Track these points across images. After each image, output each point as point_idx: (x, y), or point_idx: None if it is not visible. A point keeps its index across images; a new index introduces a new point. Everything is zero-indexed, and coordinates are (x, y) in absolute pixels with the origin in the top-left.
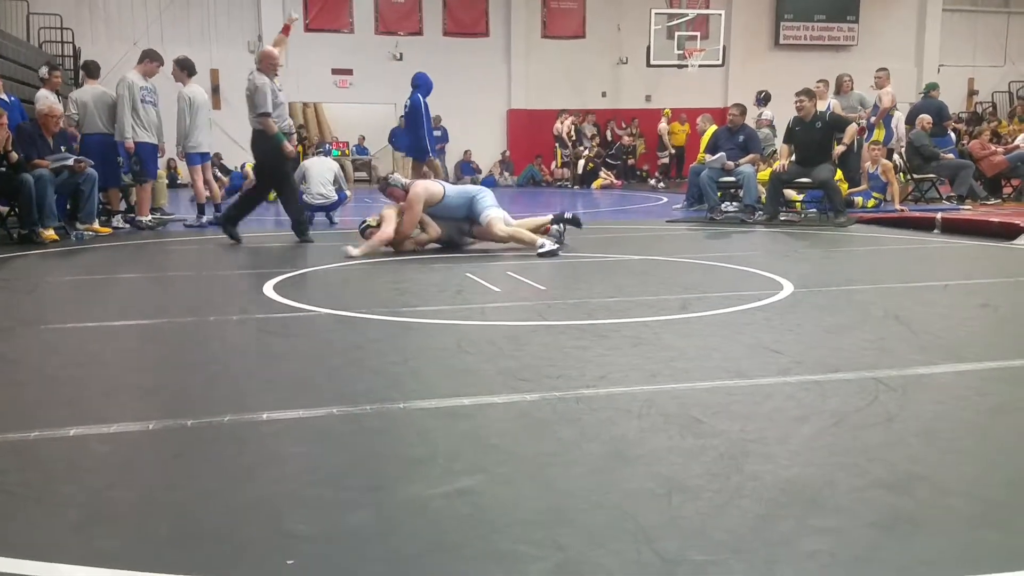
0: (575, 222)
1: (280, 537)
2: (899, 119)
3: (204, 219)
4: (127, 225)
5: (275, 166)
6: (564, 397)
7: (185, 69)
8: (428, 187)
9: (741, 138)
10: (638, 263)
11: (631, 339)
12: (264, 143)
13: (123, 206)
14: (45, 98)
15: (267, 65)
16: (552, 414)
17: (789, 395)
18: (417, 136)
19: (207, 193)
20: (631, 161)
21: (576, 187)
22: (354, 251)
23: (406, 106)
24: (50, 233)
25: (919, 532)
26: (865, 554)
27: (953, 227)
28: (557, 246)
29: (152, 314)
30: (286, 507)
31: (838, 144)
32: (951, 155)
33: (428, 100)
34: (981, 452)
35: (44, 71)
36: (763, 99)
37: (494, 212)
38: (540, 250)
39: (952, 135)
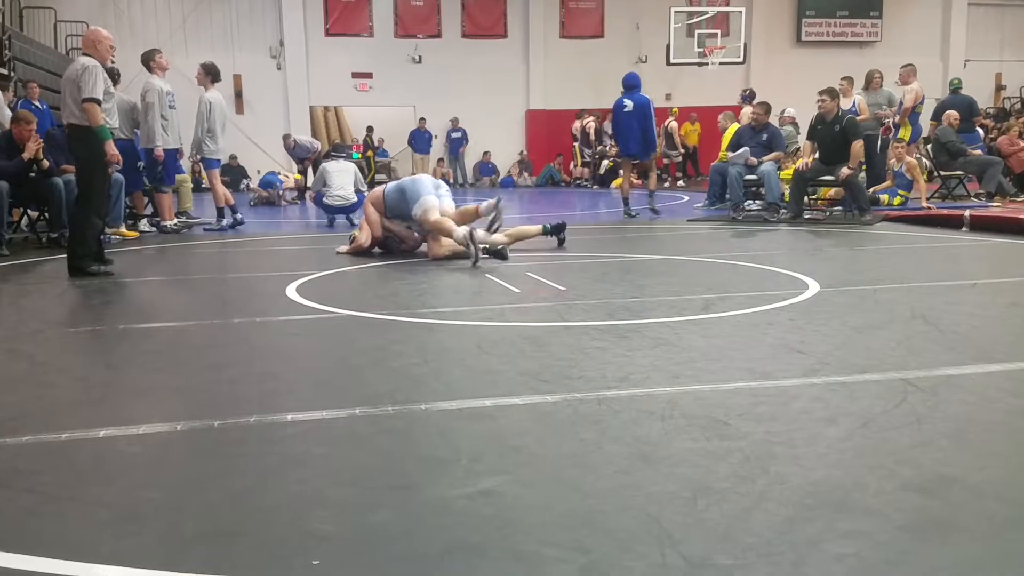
0: (558, 232)
1: (305, 537)
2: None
3: (224, 222)
4: (153, 229)
5: (96, 168)
6: (585, 398)
7: (211, 74)
8: (375, 192)
9: (765, 136)
10: (659, 263)
11: (653, 340)
12: (85, 139)
13: (149, 210)
14: None
15: (103, 48)
16: (574, 415)
17: (815, 396)
18: (648, 134)
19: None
20: None
21: (595, 187)
22: (342, 249)
23: (626, 106)
24: None
25: (951, 535)
26: (895, 557)
27: (981, 224)
28: (482, 244)
29: (178, 316)
30: (311, 507)
31: (852, 158)
32: (979, 151)
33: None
34: (1013, 453)
35: None
36: (748, 96)
37: (427, 201)
38: (474, 260)
39: (980, 131)
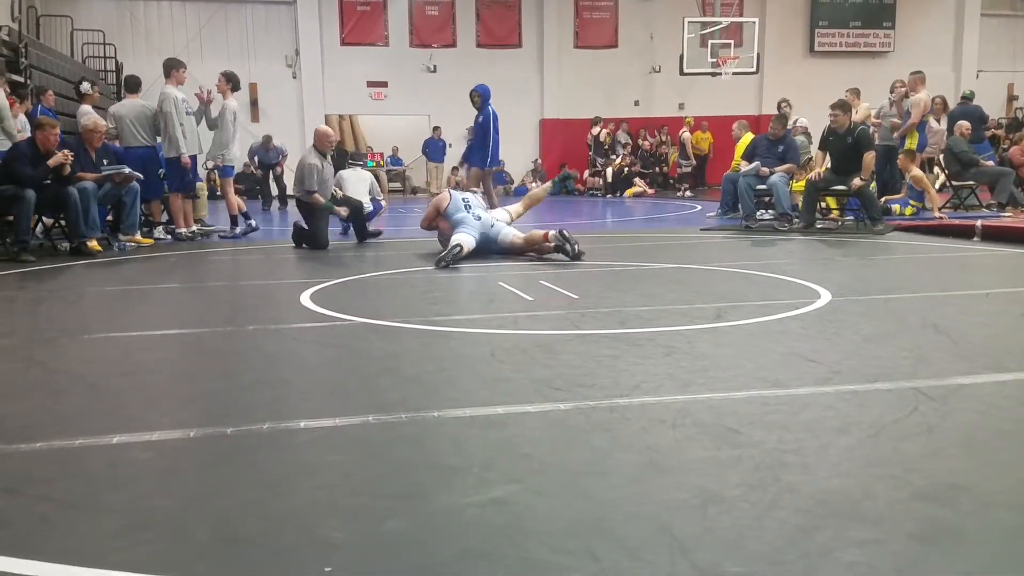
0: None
1: (317, 544)
2: (934, 124)
3: (238, 230)
4: (168, 236)
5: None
6: (597, 406)
7: (231, 82)
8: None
9: (781, 148)
10: (672, 271)
11: (665, 348)
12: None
13: (164, 217)
14: (88, 114)
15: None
16: (586, 423)
17: (827, 405)
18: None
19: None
20: (664, 169)
21: (608, 196)
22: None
23: (479, 120)
24: (93, 244)
25: (961, 544)
26: (906, 566)
27: (994, 234)
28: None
29: (192, 323)
30: (323, 515)
31: (864, 169)
32: (990, 161)
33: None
34: (1023, 462)
35: (87, 86)
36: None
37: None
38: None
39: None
